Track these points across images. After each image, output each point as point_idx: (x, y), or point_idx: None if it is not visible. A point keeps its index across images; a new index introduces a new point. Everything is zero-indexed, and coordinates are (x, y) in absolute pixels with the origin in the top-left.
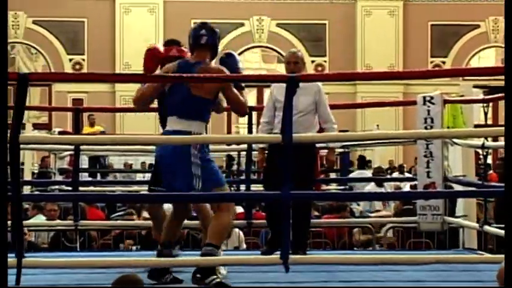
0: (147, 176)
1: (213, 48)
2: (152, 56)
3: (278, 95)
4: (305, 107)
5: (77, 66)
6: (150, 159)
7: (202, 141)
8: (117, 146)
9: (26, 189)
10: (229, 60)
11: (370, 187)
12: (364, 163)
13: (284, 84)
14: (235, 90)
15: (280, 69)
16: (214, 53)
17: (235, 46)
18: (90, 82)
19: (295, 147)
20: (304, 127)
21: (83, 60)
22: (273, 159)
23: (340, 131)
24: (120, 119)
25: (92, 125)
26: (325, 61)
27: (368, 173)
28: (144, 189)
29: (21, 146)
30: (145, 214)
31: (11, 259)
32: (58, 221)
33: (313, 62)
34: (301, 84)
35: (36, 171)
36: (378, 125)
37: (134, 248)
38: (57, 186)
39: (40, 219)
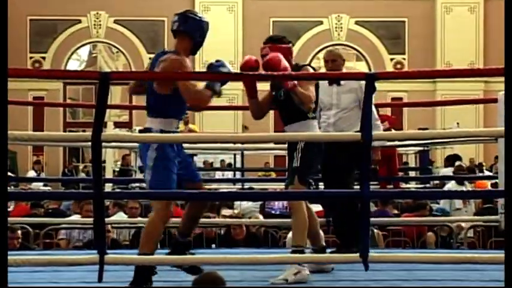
0: (226, 174)
1: (190, 36)
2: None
3: (322, 94)
4: (347, 104)
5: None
6: (229, 157)
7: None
8: (197, 144)
9: (108, 187)
10: (214, 64)
11: (451, 185)
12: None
13: (327, 84)
14: (190, 85)
15: (359, 67)
16: (195, 42)
17: (314, 44)
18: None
19: (344, 146)
20: (347, 124)
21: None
22: (330, 158)
23: (420, 129)
24: (199, 118)
25: (186, 123)
26: (404, 59)
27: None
28: (223, 187)
29: (103, 144)
30: (224, 212)
31: (94, 256)
32: (139, 219)
33: (392, 59)
34: (342, 82)
35: (117, 169)
36: (458, 123)
37: (213, 245)
38: (137, 184)
39: (121, 216)
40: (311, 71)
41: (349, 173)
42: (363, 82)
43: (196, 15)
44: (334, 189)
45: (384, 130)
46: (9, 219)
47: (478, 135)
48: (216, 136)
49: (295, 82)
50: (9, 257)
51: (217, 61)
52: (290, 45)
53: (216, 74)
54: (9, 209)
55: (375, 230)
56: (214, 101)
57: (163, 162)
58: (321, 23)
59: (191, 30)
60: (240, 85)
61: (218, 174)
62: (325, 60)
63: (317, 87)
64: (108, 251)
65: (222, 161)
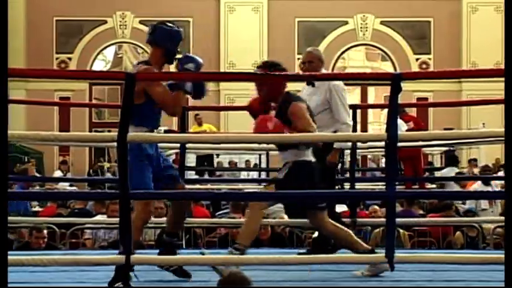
0: (252, 174)
1: (160, 46)
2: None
3: (301, 95)
4: (316, 106)
5: None
6: (254, 158)
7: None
8: (221, 144)
9: None
10: (182, 60)
11: (477, 186)
12: (454, 161)
13: (307, 86)
14: (160, 90)
15: (385, 67)
16: (167, 51)
17: (339, 44)
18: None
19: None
20: (317, 126)
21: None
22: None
23: (445, 129)
24: (224, 118)
25: (199, 124)
26: (429, 58)
27: (456, 170)
28: (248, 187)
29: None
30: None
31: (119, 256)
32: (164, 219)
33: (417, 59)
34: (316, 83)
35: None
36: (483, 124)
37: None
38: None
39: None
40: (301, 103)
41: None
42: (334, 83)
43: (167, 25)
44: (360, 190)
45: (409, 130)
46: (35, 219)
47: (504, 136)
48: (241, 136)
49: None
50: (35, 257)
51: (185, 57)
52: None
53: (214, 75)
54: (36, 209)
55: (401, 231)
56: (239, 101)
57: (139, 163)
58: (346, 23)
59: (160, 40)
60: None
61: (243, 175)
62: (302, 62)
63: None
64: (134, 251)
65: (247, 161)
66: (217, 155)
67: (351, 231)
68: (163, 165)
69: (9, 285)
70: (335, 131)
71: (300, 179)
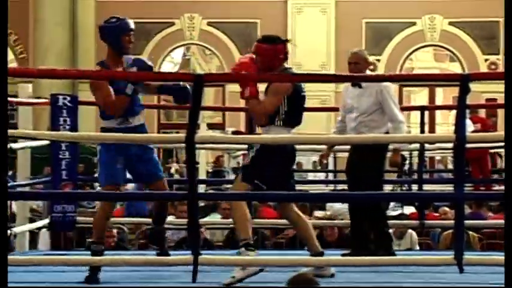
0: (318, 176)
1: (107, 42)
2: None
3: (346, 96)
4: (367, 108)
5: None
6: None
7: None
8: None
9: (201, 188)
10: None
11: None
12: None
13: (351, 87)
14: (101, 93)
15: (453, 68)
16: (113, 45)
17: (406, 45)
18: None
19: (362, 148)
20: (367, 128)
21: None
22: (353, 161)
23: None
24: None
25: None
26: (498, 59)
27: None
28: (314, 188)
29: (197, 145)
30: (317, 213)
31: (188, 256)
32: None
33: (486, 60)
34: (363, 84)
35: (210, 171)
36: None
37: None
38: (231, 185)
39: (215, 217)
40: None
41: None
42: (384, 85)
43: (107, 22)
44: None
45: (475, 132)
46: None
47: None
48: (309, 137)
49: (252, 92)
50: (106, 257)
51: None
52: (278, 45)
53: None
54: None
55: (470, 233)
56: (308, 103)
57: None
58: (414, 24)
59: (104, 37)
60: (332, 86)
61: (310, 176)
62: (348, 63)
63: None
64: (202, 252)
65: (315, 162)
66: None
67: (311, 228)
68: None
69: (80, 285)
70: (387, 132)
71: (270, 157)
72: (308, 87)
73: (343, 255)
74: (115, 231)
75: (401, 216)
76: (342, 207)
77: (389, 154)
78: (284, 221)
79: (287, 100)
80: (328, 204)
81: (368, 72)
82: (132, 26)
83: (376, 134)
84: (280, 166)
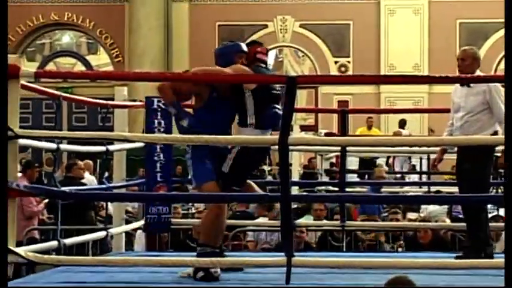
0: (413, 178)
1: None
2: None
3: (454, 95)
4: (474, 107)
5: (343, 69)
6: (415, 161)
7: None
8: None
9: (294, 190)
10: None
11: None
12: None
13: (459, 85)
14: None
15: None
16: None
17: (502, 46)
18: (355, 84)
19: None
20: (474, 128)
21: (348, 62)
22: (461, 163)
23: None
24: (384, 120)
25: (369, 127)
26: None
27: None
28: (413, 190)
29: (290, 147)
30: (410, 215)
31: (281, 258)
32: (325, 221)
33: None
34: (472, 84)
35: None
36: None
37: (400, 249)
38: (323, 187)
39: (309, 219)
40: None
41: (484, 178)
42: (493, 84)
43: (223, 44)
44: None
45: None
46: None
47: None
48: (401, 139)
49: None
50: (202, 258)
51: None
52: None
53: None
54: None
55: None
56: (400, 104)
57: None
58: None
59: (218, 61)
60: (425, 88)
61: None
62: (457, 59)
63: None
64: (296, 253)
65: (414, 165)
66: (376, 158)
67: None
68: None
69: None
70: (494, 132)
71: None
72: (403, 89)
73: (457, 257)
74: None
75: (496, 218)
76: (436, 209)
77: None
78: (375, 223)
79: (253, 96)
80: (423, 206)
81: (478, 71)
82: (245, 48)
83: (482, 135)
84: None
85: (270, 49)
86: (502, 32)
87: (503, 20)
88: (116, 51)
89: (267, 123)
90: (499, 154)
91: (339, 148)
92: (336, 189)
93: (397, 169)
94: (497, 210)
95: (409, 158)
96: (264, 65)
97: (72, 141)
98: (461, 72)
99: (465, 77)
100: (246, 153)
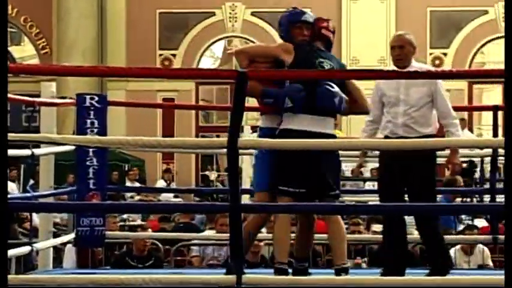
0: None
1: (281, 37)
2: None
3: (386, 88)
4: (417, 100)
5: None
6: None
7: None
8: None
9: (245, 198)
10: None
11: None
12: None
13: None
14: None
15: None
16: (286, 41)
17: (477, 37)
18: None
19: (414, 153)
20: (419, 124)
21: None
22: (392, 168)
23: None
24: (346, 121)
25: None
26: None
27: None
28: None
29: (240, 151)
30: (375, 227)
31: (230, 276)
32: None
33: None
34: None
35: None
36: None
37: (364, 265)
38: None
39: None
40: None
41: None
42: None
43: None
44: (499, 203)
45: None
46: (138, 234)
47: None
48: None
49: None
50: (139, 276)
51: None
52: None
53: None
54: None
55: None
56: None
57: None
58: (486, 12)
59: (279, 29)
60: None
61: (368, 185)
62: (391, 47)
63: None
64: (246, 271)
65: (373, 169)
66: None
67: None
68: None
69: None
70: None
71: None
72: (367, 85)
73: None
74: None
75: (471, 228)
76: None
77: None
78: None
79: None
80: None
81: (413, 60)
82: (305, 17)
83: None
84: (295, 165)
85: (218, 40)
86: (477, 22)
87: (478, 9)
88: (43, 42)
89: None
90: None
91: None
92: None
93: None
94: (472, 221)
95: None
96: (323, 46)
97: None
98: (400, 61)
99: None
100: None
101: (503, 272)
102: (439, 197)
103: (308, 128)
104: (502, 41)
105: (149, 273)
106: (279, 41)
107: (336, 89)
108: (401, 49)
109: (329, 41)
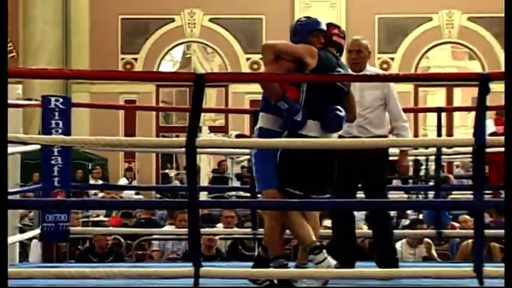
0: None
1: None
2: None
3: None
4: (371, 102)
5: (255, 66)
6: None
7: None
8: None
9: (203, 196)
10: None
11: None
12: None
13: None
14: None
15: (472, 66)
16: None
17: (422, 42)
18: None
19: (370, 153)
20: (373, 125)
21: (261, 59)
22: (349, 166)
23: None
24: None
25: None
26: None
27: None
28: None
29: (198, 150)
30: (326, 222)
31: (188, 268)
32: (235, 229)
33: None
34: (367, 74)
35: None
36: None
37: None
38: (234, 193)
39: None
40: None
41: (385, 184)
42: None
43: (299, 20)
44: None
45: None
46: (101, 229)
47: None
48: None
49: None
50: (100, 269)
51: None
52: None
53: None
54: (100, 218)
55: (491, 243)
56: None
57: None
58: (430, 19)
59: (292, 38)
60: None
61: None
62: (349, 50)
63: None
64: (204, 263)
65: None
66: None
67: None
68: None
69: None
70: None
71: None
72: None
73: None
74: (110, 238)
75: (416, 224)
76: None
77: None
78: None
79: (307, 86)
80: None
81: (368, 65)
82: (321, 26)
83: (381, 133)
84: (309, 167)
85: (177, 44)
86: (423, 28)
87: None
88: (10, 46)
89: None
90: (395, 158)
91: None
92: (248, 195)
93: None
94: (418, 216)
95: None
96: (336, 52)
97: None
98: (357, 65)
99: (384, 75)
100: (293, 152)
101: (446, 264)
102: (431, 193)
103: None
104: (445, 46)
105: (112, 267)
106: (237, 46)
107: (343, 113)
108: (358, 53)
109: (341, 48)
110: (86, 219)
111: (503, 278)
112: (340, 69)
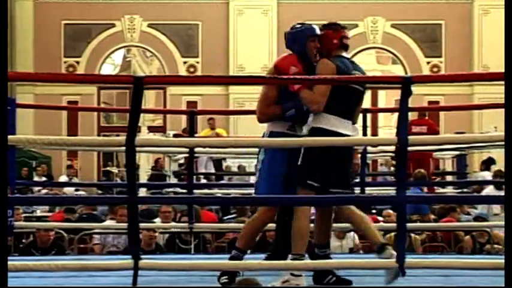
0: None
1: (294, 52)
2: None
3: None
4: None
5: (191, 69)
6: None
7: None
8: (230, 148)
9: (142, 192)
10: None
11: (489, 190)
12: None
13: None
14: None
15: (396, 70)
16: (300, 55)
17: (351, 47)
18: (204, 85)
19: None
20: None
21: (197, 62)
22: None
23: (456, 133)
24: (233, 122)
25: (212, 128)
26: (441, 62)
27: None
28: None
29: (137, 148)
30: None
31: (128, 261)
32: (173, 223)
33: (428, 63)
34: None
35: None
36: (496, 127)
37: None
38: (171, 189)
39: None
40: (328, 63)
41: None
42: None
43: (293, 27)
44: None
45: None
46: (44, 224)
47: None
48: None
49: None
50: (43, 262)
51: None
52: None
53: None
54: (44, 214)
55: (412, 235)
56: (248, 106)
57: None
58: (356, 26)
59: (289, 44)
60: None
61: (253, 179)
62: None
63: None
64: (143, 256)
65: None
66: (225, 159)
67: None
68: None
69: None
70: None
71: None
72: (251, 90)
73: (266, 258)
74: (52, 233)
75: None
76: None
77: None
78: (224, 225)
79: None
80: None
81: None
82: (317, 31)
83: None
84: (331, 163)
85: (118, 48)
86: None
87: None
88: None
89: (342, 112)
90: None
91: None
92: (185, 191)
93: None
94: None
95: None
96: (345, 53)
97: None
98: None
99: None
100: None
101: (370, 255)
102: (411, 189)
103: (338, 130)
104: (370, 51)
105: (55, 260)
106: (174, 50)
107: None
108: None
109: (348, 48)
110: (29, 215)
111: (424, 268)
112: (356, 72)
